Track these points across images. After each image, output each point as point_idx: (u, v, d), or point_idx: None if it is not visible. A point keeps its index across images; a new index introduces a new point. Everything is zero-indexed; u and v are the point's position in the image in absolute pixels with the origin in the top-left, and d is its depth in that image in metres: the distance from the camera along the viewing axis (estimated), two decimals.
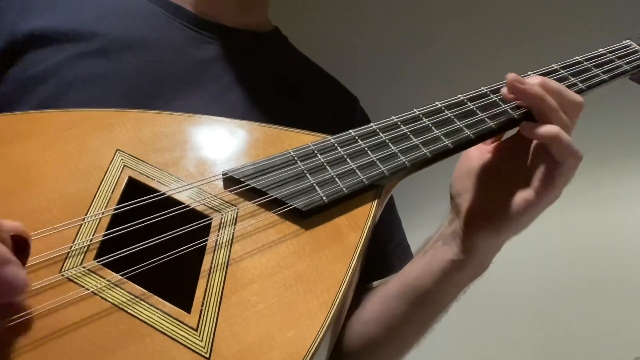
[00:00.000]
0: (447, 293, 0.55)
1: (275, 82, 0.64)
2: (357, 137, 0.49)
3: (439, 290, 0.54)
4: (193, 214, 0.41)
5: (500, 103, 0.52)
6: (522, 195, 0.48)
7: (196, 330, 0.35)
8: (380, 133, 0.49)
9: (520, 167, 0.49)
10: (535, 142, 0.49)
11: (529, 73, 0.54)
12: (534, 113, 0.49)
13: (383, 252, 0.66)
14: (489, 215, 0.50)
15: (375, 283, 0.64)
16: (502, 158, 0.52)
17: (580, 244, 1.84)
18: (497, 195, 0.50)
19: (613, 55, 0.60)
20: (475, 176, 0.52)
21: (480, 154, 0.53)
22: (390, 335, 0.58)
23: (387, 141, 0.48)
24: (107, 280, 0.36)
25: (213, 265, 0.39)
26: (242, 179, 0.43)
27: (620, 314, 1.72)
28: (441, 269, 0.53)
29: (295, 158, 0.46)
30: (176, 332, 0.35)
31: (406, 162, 0.47)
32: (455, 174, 0.55)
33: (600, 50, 0.60)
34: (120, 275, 0.37)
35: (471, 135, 0.49)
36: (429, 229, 0.59)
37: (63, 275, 0.36)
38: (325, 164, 0.46)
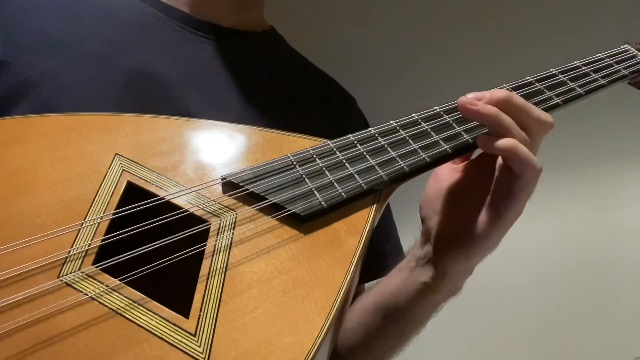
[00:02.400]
0: (420, 312, 0.55)
1: (272, 81, 0.64)
2: (356, 142, 0.49)
3: (413, 309, 0.54)
4: (192, 219, 0.41)
5: None
6: (485, 214, 0.47)
7: (194, 335, 0.35)
8: (379, 137, 0.49)
9: (487, 186, 0.48)
10: (499, 158, 0.47)
11: (504, 86, 0.52)
12: (490, 131, 0.47)
13: (380, 251, 0.66)
14: (456, 239, 0.48)
15: (367, 285, 0.64)
16: (471, 177, 0.51)
17: (580, 244, 1.84)
18: (464, 216, 0.48)
19: (611, 59, 0.60)
20: (444, 197, 0.51)
21: (449, 173, 0.52)
22: (367, 347, 0.59)
23: (385, 146, 0.48)
24: (106, 285, 0.36)
25: (211, 270, 0.39)
26: (241, 184, 0.43)
27: (620, 314, 1.72)
28: (414, 290, 0.52)
29: (294, 163, 0.46)
30: (174, 338, 0.35)
31: (405, 167, 0.47)
32: (424, 196, 0.53)
33: (599, 54, 0.60)
34: (118, 280, 0.37)
35: (469, 140, 0.49)
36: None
37: (61, 280, 0.36)
38: (324, 168, 0.46)
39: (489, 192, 0.47)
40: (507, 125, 0.45)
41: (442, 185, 0.52)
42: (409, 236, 0.70)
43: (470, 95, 0.46)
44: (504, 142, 0.45)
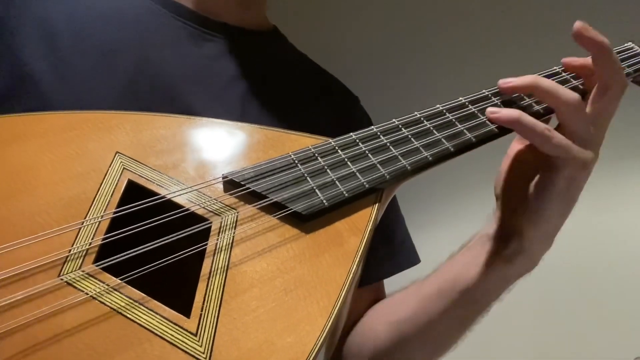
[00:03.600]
0: (491, 290, 0.54)
1: (275, 80, 0.64)
2: (358, 140, 0.48)
3: (484, 287, 0.53)
4: (193, 218, 0.41)
5: (502, 106, 0.52)
6: (535, 189, 0.49)
7: (195, 335, 0.35)
8: (381, 136, 0.49)
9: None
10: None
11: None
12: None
13: (399, 247, 0.66)
14: (526, 210, 0.50)
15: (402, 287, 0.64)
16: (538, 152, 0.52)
17: (580, 244, 1.84)
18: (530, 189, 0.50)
19: None
20: (516, 173, 0.53)
21: (519, 149, 0.53)
22: (425, 336, 0.57)
23: (388, 144, 0.48)
24: (106, 285, 0.36)
25: (213, 270, 0.38)
26: (243, 182, 0.43)
27: (620, 314, 1.72)
28: (488, 264, 0.52)
29: (296, 161, 0.46)
30: (175, 337, 0.35)
31: (407, 166, 0.47)
32: (498, 173, 0.55)
33: None
34: (119, 279, 0.36)
35: (472, 138, 0.49)
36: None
37: (62, 279, 0.36)
38: (325, 167, 0.46)
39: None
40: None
41: (513, 161, 0.53)
42: (413, 233, 0.70)
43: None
44: (507, 113, 0.47)
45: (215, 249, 0.39)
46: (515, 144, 0.54)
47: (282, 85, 0.64)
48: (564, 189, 0.48)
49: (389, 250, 0.66)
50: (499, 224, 0.53)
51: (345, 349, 0.63)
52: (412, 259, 0.68)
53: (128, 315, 0.35)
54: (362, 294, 0.64)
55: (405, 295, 0.61)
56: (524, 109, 0.51)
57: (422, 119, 0.51)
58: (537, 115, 0.50)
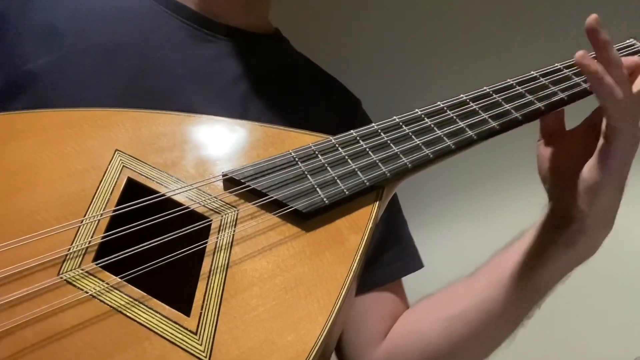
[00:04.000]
0: (551, 279, 0.54)
1: (277, 82, 0.64)
2: (358, 138, 0.48)
3: (544, 276, 0.53)
4: (193, 216, 0.41)
5: (503, 103, 0.51)
6: (590, 169, 0.49)
7: (196, 333, 0.35)
8: (381, 133, 0.49)
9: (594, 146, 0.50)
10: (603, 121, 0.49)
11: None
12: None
13: (410, 246, 0.67)
14: (581, 188, 0.50)
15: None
16: (578, 140, 0.53)
17: None
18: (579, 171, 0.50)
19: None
20: (560, 158, 0.54)
21: (559, 136, 0.55)
22: (481, 332, 0.56)
23: (388, 142, 0.48)
24: (106, 283, 0.36)
25: (213, 268, 0.38)
26: (243, 180, 0.43)
27: (620, 314, 1.72)
28: (548, 251, 0.52)
29: (296, 159, 0.45)
30: (175, 336, 0.34)
31: (408, 164, 0.46)
32: (538, 161, 0.56)
33: None
34: (119, 277, 0.36)
35: (474, 135, 0.49)
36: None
37: (61, 277, 0.35)
38: (326, 165, 0.46)
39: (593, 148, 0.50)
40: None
41: (554, 147, 0.55)
42: (413, 231, 0.70)
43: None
44: (591, 67, 0.46)
45: (215, 248, 0.39)
46: (550, 125, 0.55)
47: (284, 87, 0.64)
48: (621, 158, 0.48)
49: (400, 248, 0.66)
50: (553, 209, 0.53)
51: (380, 358, 0.61)
52: (419, 261, 0.68)
53: (128, 314, 0.35)
54: (381, 294, 0.63)
55: (454, 291, 0.59)
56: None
57: (423, 116, 0.50)
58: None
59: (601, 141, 0.49)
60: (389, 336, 0.61)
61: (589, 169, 0.49)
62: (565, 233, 0.51)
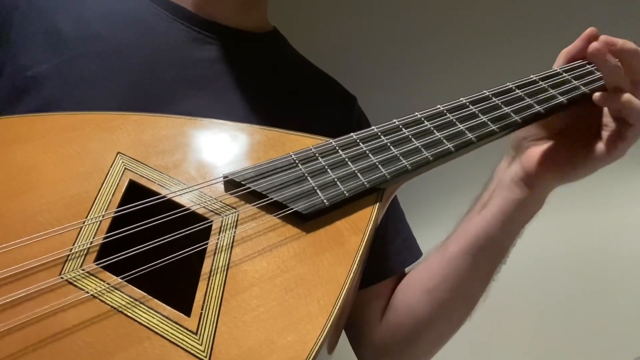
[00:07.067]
0: (510, 235, 0.59)
1: (275, 82, 0.64)
2: (358, 140, 0.48)
3: (503, 233, 0.58)
4: (193, 217, 0.41)
5: (502, 106, 0.52)
6: (594, 149, 0.53)
7: (196, 333, 0.35)
8: (381, 136, 0.49)
9: (593, 125, 0.54)
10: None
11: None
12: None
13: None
14: (555, 162, 0.55)
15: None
16: (577, 114, 0.56)
17: (580, 244, 1.83)
18: (565, 145, 0.55)
19: None
20: (545, 126, 0.57)
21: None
22: (459, 295, 0.61)
23: (388, 144, 0.48)
24: (107, 283, 0.36)
25: (213, 269, 0.38)
26: (243, 182, 0.43)
27: (620, 314, 1.71)
28: (505, 211, 0.57)
29: (297, 161, 0.46)
30: (176, 336, 0.35)
31: (408, 165, 0.47)
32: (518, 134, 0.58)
33: None
34: (120, 278, 0.36)
35: (473, 138, 0.49)
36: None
37: (63, 277, 0.36)
38: (326, 167, 0.46)
39: (592, 130, 0.54)
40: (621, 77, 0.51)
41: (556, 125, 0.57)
42: (413, 231, 0.70)
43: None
44: (624, 98, 0.50)
45: (215, 248, 0.40)
46: None
47: (282, 87, 0.65)
48: (628, 147, 0.52)
49: (403, 239, 0.68)
50: (515, 168, 0.57)
51: (381, 334, 0.65)
52: (419, 249, 0.70)
53: (129, 314, 0.35)
54: (388, 282, 0.66)
55: (430, 263, 0.63)
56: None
57: (422, 119, 0.51)
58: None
59: (611, 130, 0.52)
60: (385, 315, 0.66)
61: (586, 155, 0.53)
62: (519, 193, 0.57)
